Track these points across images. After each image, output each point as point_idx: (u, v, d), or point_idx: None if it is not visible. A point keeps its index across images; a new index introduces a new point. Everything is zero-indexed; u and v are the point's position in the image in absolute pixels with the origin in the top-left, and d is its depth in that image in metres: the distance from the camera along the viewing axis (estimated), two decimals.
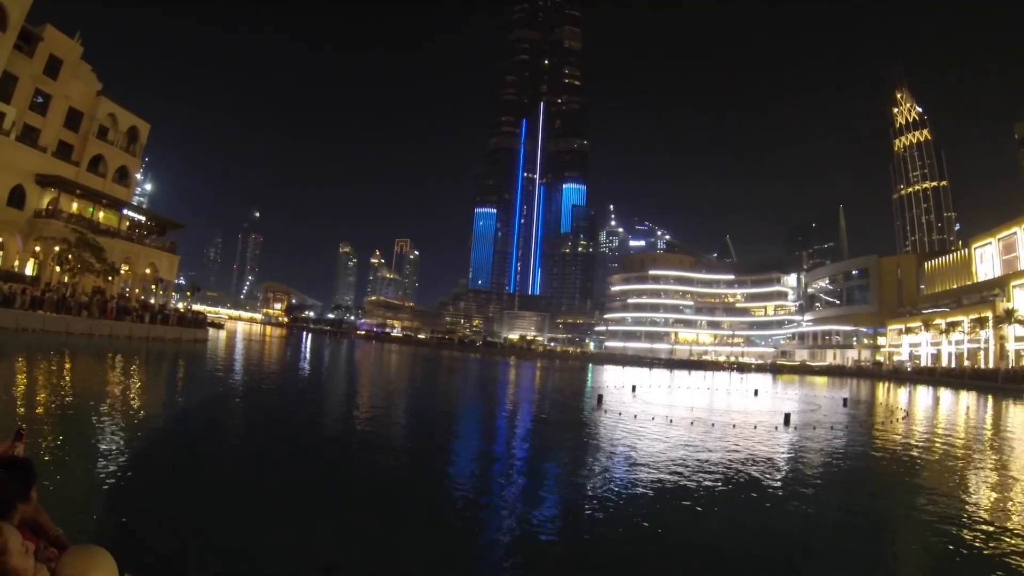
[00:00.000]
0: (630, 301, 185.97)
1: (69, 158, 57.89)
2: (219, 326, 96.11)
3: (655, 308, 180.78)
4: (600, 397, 30.38)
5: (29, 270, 52.29)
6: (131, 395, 20.06)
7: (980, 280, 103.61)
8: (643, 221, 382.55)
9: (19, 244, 51.07)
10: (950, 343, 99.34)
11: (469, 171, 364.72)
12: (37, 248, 51.66)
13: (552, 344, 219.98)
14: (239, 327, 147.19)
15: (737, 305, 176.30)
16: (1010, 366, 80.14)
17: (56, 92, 55.80)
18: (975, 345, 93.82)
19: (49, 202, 54.01)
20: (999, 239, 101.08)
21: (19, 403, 15.46)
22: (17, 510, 3.23)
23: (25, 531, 3.32)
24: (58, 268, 50.61)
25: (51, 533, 3.54)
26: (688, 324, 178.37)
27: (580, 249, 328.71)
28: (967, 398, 51.94)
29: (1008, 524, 10.47)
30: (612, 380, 52.43)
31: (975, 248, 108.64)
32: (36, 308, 41.96)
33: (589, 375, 64.35)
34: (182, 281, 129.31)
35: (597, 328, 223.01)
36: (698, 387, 49.76)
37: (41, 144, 54.45)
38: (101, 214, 59.98)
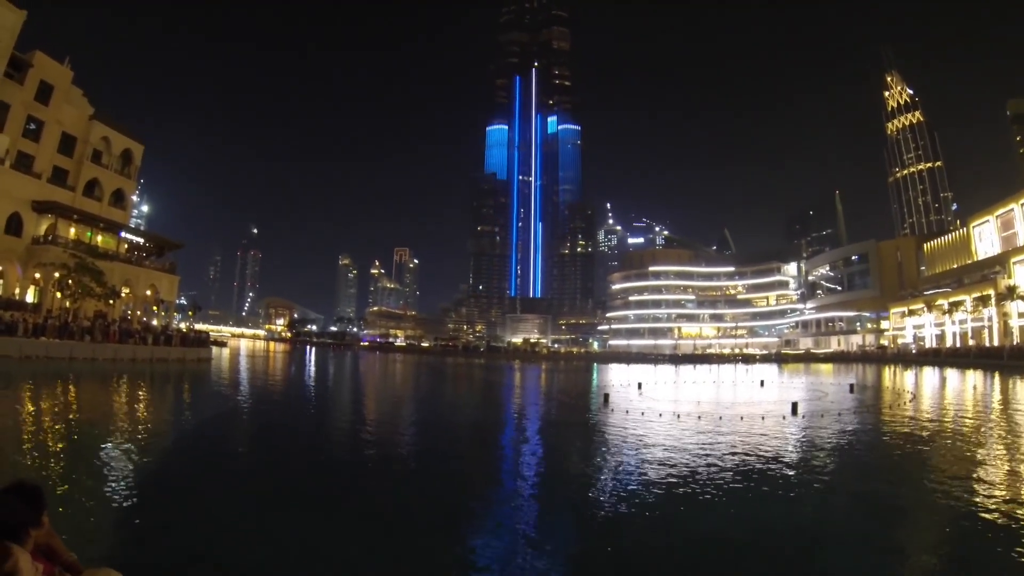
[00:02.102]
0: (631, 298, 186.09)
1: (64, 183, 57.90)
2: (222, 344, 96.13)
3: (657, 304, 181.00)
4: (606, 396, 30.21)
5: (30, 297, 52.36)
6: (139, 417, 20.08)
7: (980, 259, 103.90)
8: (640, 218, 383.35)
9: (19, 272, 51.13)
10: (953, 323, 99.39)
11: (464, 176, 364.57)
12: (37, 275, 51.68)
13: (556, 345, 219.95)
14: (242, 344, 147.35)
15: (739, 297, 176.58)
16: (1015, 343, 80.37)
17: (48, 118, 55.84)
18: (979, 324, 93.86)
19: (47, 228, 54.09)
20: (997, 216, 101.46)
21: (29, 429, 15.49)
22: (30, 536, 3.26)
23: (39, 557, 3.35)
24: (59, 294, 50.60)
25: (65, 558, 3.60)
26: (691, 318, 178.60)
27: (579, 249, 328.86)
28: (973, 377, 51.77)
29: (1020, 501, 10.45)
30: (617, 378, 52.29)
31: (973, 227, 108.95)
32: (39, 335, 42.00)
33: (594, 374, 64.22)
34: (183, 301, 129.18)
35: (600, 327, 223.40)
36: (704, 381, 49.62)
37: (36, 171, 54.52)
38: (99, 238, 60.12)
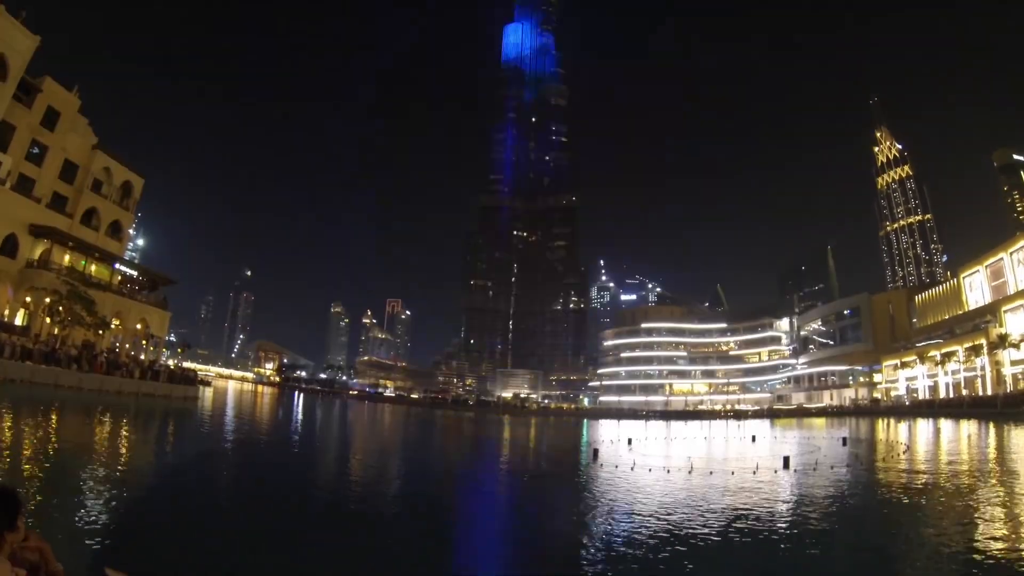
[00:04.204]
0: (623, 355, 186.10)
1: (63, 210, 58.07)
2: (206, 384, 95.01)
3: (648, 360, 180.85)
4: (596, 451, 30.09)
5: (19, 320, 51.74)
6: (122, 453, 19.66)
7: (971, 308, 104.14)
8: (634, 275, 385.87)
9: (10, 294, 50.62)
10: (946, 373, 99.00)
11: (459, 229, 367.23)
12: (28, 298, 51.40)
13: (546, 401, 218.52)
14: (230, 385, 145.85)
15: (731, 353, 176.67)
16: (1008, 390, 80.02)
17: (53, 143, 56.37)
18: (971, 373, 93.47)
19: (42, 253, 53.99)
20: (987, 266, 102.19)
21: (5, 456, 15.06)
22: (5, 540, 3.33)
23: (19, 564, 3.42)
24: (48, 319, 50.24)
25: (52, 567, 3.68)
26: (682, 374, 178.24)
27: (572, 305, 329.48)
28: (968, 427, 51.64)
29: (1020, 554, 10.30)
30: (607, 434, 51.91)
31: (964, 277, 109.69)
32: (25, 359, 41.43)
33: (584, 430, 63.82)
34: (173, 338, 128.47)
35: (591, 383, 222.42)
36: (695, 437, 49.26)
37: (36, 194, 54.72)
38: (93, 267, 59.91)
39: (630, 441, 39.93)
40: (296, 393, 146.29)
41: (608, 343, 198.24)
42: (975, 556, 10.13)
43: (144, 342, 65.05)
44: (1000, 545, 10.95)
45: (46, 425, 22.99)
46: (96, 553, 8.21)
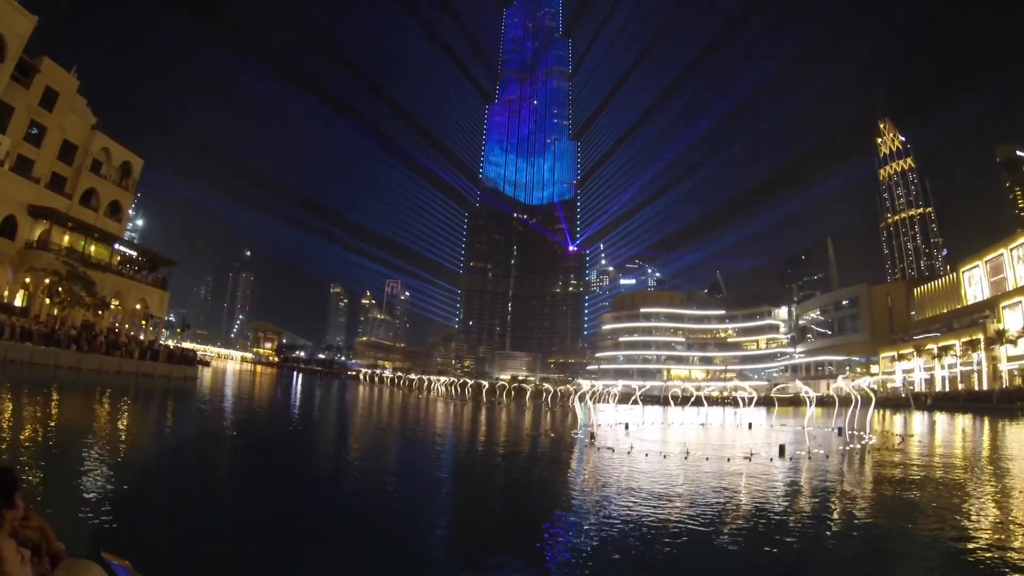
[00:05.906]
0: (622, 339, 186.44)
1: (62, 191, 58.06)
2: (205, 364, 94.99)
3: (647, 346, 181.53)
4: (592, 435, 30.08)
5: (18, 301, 51.90)
6: (121, 433, 19.66)
7: (970, 303, 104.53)
8: (633, 260, 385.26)
9: (9, 275, 50.68)
10: (943, 367, 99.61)
11: (460, 211, 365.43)
12: (27, 279, 51.46)
13: (544, 384, 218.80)
14: (228, 365, 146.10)
15: (729, 340, 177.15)
16: (1004, 386, 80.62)
17: (51, 124, 56.18)
18: (968, 368, 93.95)
19: (41, 234, 54.04)
20: (986, 261, 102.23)
21: (5, 436, 15.14)
22: (5, 518, 3.32)
23: (24, 544, 3.36)
24: (48, 300, 50.32)
25: (53, 546, 3.73)
26: (680, 360, 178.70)
27: (571, 289, 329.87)
28: (962, 421, 51.98)
29: (1013, 546, 10.41)
30: (605, 418, 51.97)
31: (963, 272, 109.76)
32: (25, 340, 41.55)
33: (581, 413, 63.88)
34: (172, 318, 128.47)
35: (589, 367, 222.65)
36: (692, 423, 49.35)
37: (34, 175, 54.65)
38: (92, 248, 59.92)
39: (627, 426, 39.96)
40: (295, 373, 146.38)
41: (607, 327, 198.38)
42: (967, 543, 10.25)
43: (143, 322, 65.21)
44: (985, 536, 11.07)
45: (45, 405, 23.05)
46: (94, 533, 8.29)
